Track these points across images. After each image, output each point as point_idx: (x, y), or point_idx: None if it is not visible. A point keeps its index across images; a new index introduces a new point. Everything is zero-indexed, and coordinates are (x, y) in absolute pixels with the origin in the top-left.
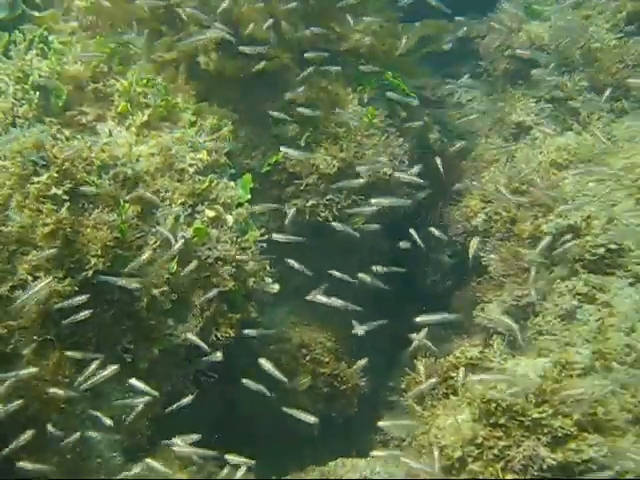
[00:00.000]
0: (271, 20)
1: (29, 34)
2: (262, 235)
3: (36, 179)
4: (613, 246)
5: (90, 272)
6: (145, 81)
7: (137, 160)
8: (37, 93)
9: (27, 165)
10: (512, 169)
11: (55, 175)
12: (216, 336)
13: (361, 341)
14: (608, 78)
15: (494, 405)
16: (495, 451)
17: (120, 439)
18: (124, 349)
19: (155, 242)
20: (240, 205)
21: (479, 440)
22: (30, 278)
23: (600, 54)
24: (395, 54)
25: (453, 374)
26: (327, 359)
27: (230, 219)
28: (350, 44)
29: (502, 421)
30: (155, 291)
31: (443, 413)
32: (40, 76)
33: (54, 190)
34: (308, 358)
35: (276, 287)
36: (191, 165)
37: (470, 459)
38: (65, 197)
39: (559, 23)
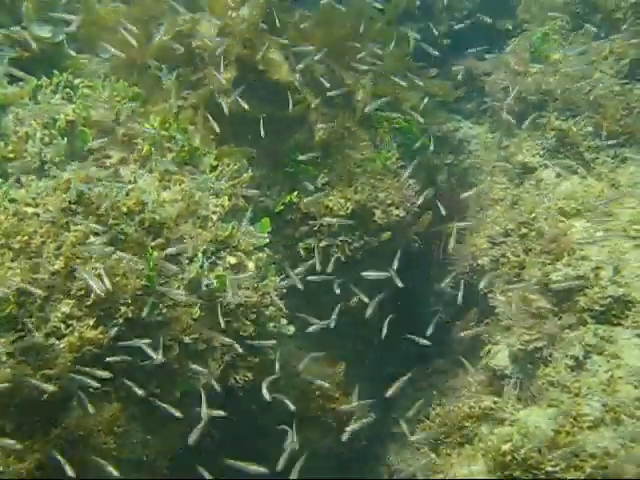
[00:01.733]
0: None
1: (55, 78)
2: (282, 280)
3: (74, 227)
4: (620, 297)
5: (121, 320)
6: (168, 125)
7: (162, 206)
8: (65, 138)
9: (71, 196)
10: (519, 214)
11: (93, 224)
12: (235, 379)
13: (366, 373)
14: (613, 125)
15: (509, 458)
16: None
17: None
18: (151, 393)
19: (178, 287)
20: (260, 249)
21: None
22: (63, 326)
23: (605, 100)
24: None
25: (467, 424)
26: (337, 394)
27: (251, 265)
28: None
29: (517, 474)
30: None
31: (457, 462)
32: (67, 121)
33: (92, 239)
34: (318, 393)
35: (292, 329)
36: (214, 212)
37: None
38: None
39: (565, 69)
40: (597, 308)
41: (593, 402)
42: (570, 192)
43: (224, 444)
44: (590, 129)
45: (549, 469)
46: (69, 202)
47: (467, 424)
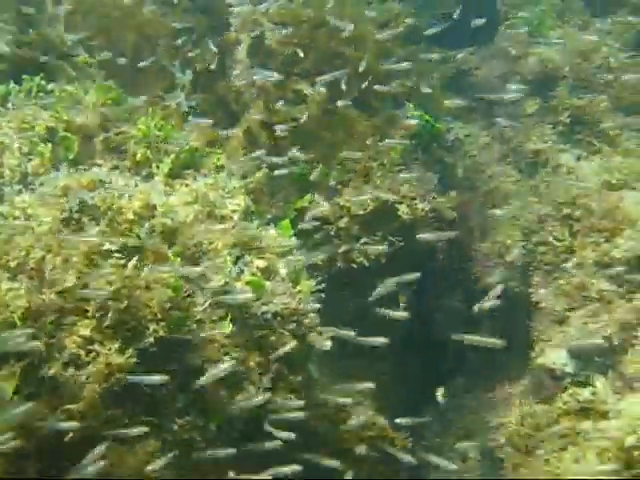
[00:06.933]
0: None
1: (26, 83)
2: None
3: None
4: None
5: (152, 339)
6: (160, 125)
7: (174, 210)
8: (48, 145)
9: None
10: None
11: (106, 228)
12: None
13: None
14: (633, 96)
15: (637, 453)
16: None
17: None
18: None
19: (205, 301)
20: (289, 253)
21: None
22: (82, 352)
23: (620, 72)
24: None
25: (566, 422)
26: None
27: (282, 269)
28: None
29: None
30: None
31: (570, 466)
32: (47, 127)
33: (107, 245)
34: None
35: (328, 344)
36: (233, 211)
37: None
38: (118, 254)
39: (570, 45)
40: None
41: None
42: (607, 167)
43: None
44: (608, 104)
45: None
46: (70, 211)
47: (566, 423)
